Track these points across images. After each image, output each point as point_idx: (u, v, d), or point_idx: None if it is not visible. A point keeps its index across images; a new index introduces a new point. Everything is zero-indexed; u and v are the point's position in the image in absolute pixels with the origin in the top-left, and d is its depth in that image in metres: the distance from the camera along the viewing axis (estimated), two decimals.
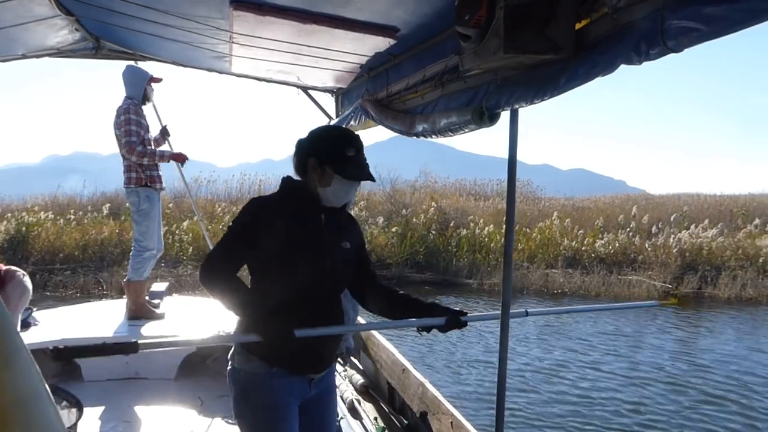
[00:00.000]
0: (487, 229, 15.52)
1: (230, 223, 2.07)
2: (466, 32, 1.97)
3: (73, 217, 14.78)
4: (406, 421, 3.64)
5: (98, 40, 4.14)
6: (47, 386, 1.06)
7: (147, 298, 4.90)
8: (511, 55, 1.81)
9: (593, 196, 22.60)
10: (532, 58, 1.87)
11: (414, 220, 15.97)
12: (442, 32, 2.71)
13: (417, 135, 3.00)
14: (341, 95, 4.89)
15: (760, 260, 14.00)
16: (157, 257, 4.89)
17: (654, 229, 15.73)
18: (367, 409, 3.80)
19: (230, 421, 3.67)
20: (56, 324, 4.43)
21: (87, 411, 3.48)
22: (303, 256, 2.04)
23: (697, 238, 14.80)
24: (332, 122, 4.83)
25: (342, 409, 3.76)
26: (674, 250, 14.29)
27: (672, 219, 16.27)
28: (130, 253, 4.80)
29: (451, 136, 2.71)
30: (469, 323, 2.23)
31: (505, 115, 2.37)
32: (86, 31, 3.80)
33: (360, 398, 3.90)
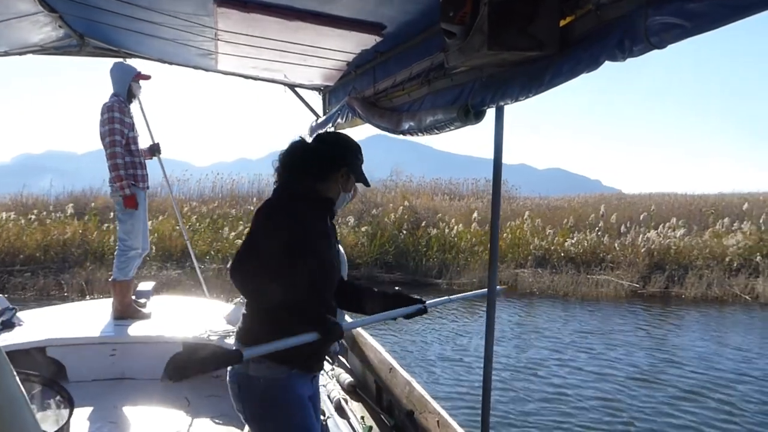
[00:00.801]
0: (456, 228, 15.52)
1: (275, 237, 2.03)
2: (451, 29, 1.96)
3: (35, 217, 14.51)
4: (393, 420, 3.64)
5: (82, 37, 4.10)
6: (23, 390, 1.04)
7: (133, 297, 4.86)
8: (496, 52, 1.81)
9: (568, 195, 22.75)
10: (516, 54, 1.86)
11: (385, 219, 15.98)
12: (428, 29, 2.71)
13: (403, 133, 2.99)
14: (328, 93, 4.88)
15: (726, 259, 14.10)
16: (142, 256, 4.85)
17: (623, 229, 15.82)
18: (354, 408, 3.79)
19: (217, 420, 3.65)
20: (41, 325, 4.39)
21: (66, 413, 3.45)
22: (329, 258, 2.21)
23: (665, 237, 14.91)
24: (319, 120, 4.81)
25: (329, 408, 3.74)
26: (642, 250, 14.38)
27: (642, 218, 16.41)
28: (115, 253, 4.75)
29: (437, 133, 2.70)
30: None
31: (490, 113, 2.37)
32: (70, 27, 3.76)
33: (347, 397, 3.89)
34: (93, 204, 15.79)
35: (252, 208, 16.70)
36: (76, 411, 3.57)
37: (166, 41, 3.76)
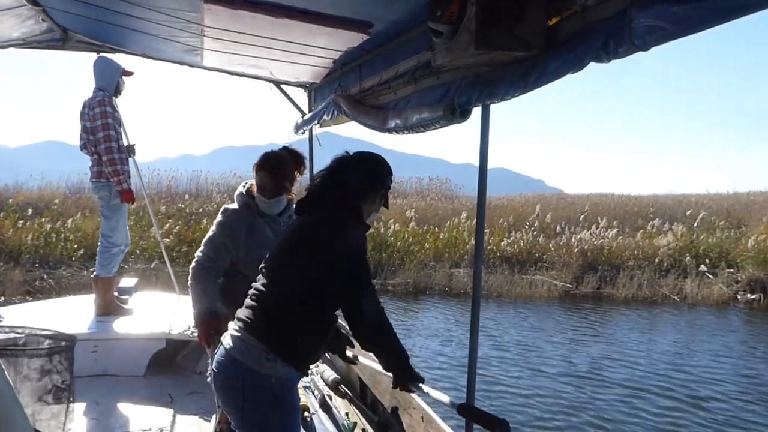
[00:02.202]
0: (393, 227, 15.40)
1: (358, 258, 2.13)
2: (438, 28, 1.97)
3: None
4: (377, 417, 3.65)
5: (65, 31, 4.06)
6: (11, 385, 1.04)
7: (116, 294, 4.83)
8: (482, 52, 1.83)
9: (510, 195, 22.92)
10: (503, 54, 1.88)
11: None
12: (415, 28, 2.72)
13: (390, 131, 3.00)
14: (314, 90, 4.88)
15: (657, 260, 14.23)
16: (124, 252, 4.82)
17: (558, 229, 15.95)
18: (339, 405, 3.80)
19: (206, 418, 3.63)
20: (22, 321, 4.33)
21: (56, 408, 3.42)
22: None
23: (598, 238, 15.04)
24: (305, 117, 4.80)
25: (313, 404, 3.75)
26: (576, 250, 14.45)
27: (581, 218, 16.53)
28: (98, 249, 4.71)
29: (423, 131, 2.72)
30: None
31: (476, 111, 2.39)
32: (53, 21, 3.72)
33: (331, 394, 3.90)
34: (11, 200, 15.13)
35: (183, 205, 16.28)
36: (59, 407, 3.55)
37: (151, 36, 3.73)
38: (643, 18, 1.37)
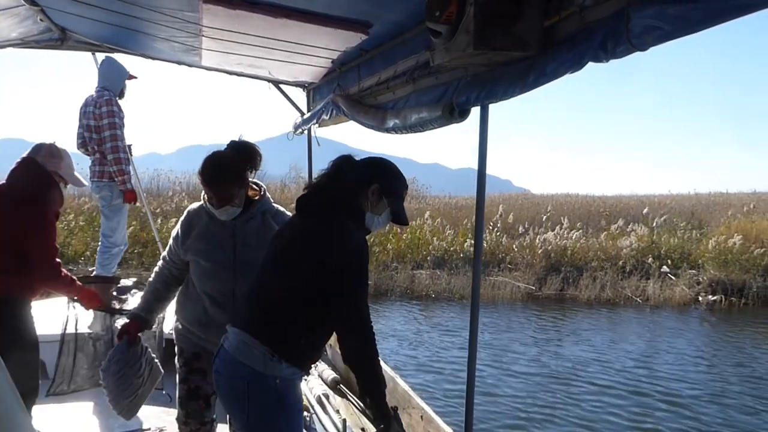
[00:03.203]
0: None
1: (356, 264, 2.07)
2: (436, 28, 1.98)
3: None
4: None
5: (64, 31, 4.05)
6: (12, 385, 1.04)
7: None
8: (481, 52, 1.83)
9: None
10: (501, 54, 1.89)
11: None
12: (413, 28, 2.72)
13: (388, 130, 3.00)
14: (312, 90, 4.88)
15: (620, 262, 14.06)
16: (123, 252, 4.82)
17: (522, 229, 15.62)
18: (337, 404, 3.81)
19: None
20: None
21: (51, 405, 3.43)
22: None
23: (562, 238, 14.80)
24: (304, 117, 4.81)
25: (312, 403, 3.76)
26: (539, 251, 14.23)
27: (543, 219, 16.24)
28: (98, 249, 4.71)
29: (421, 131, 2.72)
30: None
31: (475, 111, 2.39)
32: (51, 21, 3.71)
33: (330, 393, 3.90)
34: None
35: (138, 204, 15.67)
36: (57, 407, 3.56)
37: (150, 36, 3.74)
38: (640, 18, 1.38)
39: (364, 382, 2.14)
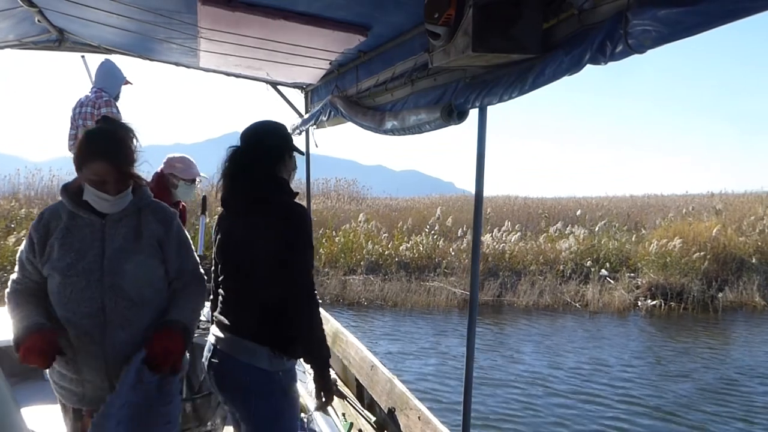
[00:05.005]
0: None
1: (306, 239, 2.16)
2: (435, 30, 1.99)
3: None
4: (374, 418, 3.66)
5: (61, 32, 4.05)
6: (9, 387, 1.05)
7: None
8: (480, 54, 1.84)
9: (418, 196, 22.40)
10: (500, 57, 1.90)
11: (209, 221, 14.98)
12: (412, 30, 2.73)
13: (386, 132, 3.01)
14: (311, 92, 4.89)
15: (561, 267, 13.71)
16: None
17: (460, 232, 15.09)
18: (336, 406, 3.81)
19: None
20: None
21: (49, 408, 3.41)
22: None
23: (500, 242, 14.40)
24: (302, 119, 4.81)
25: (310, 405, 3.75)
26: None
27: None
28: None
29: (420, 133, 2.73)
30: None
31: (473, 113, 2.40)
32: (49, 22, 3.71)
33: None
34: None
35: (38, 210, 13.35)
36: (53, 408, 3.53)
37: (148, 38, 3.73)
38: (638, 21, 1.38)
39: (322, 349, 2.16)
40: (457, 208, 18.08)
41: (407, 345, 9.95)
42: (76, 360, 2.00)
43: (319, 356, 2.15)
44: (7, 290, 2.09)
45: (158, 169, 3.82)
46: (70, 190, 2.07)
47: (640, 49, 1.42)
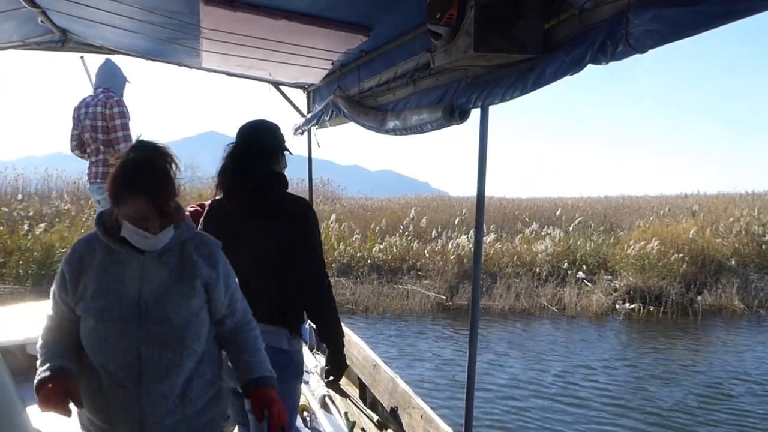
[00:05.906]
0: None
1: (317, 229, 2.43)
2: (437, 30, 1.99)
3: None
4: (376, 417, 3.67)
5: (65, 32, 4.06)
6: (13, 385, 1.05)
7: None
8: (481, 54, 1.85)
9: (395, 197, 22.07)
10: (501, 57, 1.91)
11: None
12: (414, 30, 2.74)
13: (388, 132, 3.02)
14: (313, 91, 4.89)
15: (536, 268, 13.27)
16: None
17: (435, 233, 14.62)
18: (339, 404, 3.82)
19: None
20: (21, 322, 4.32)
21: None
22: None
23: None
24: (304, 118, 4.82)
25: (313, 404, 3.77)
26: (452, 257, 13.10)
27: (456, 222, 15.26)
28: None
29: (422, 132, 2.74)
30: None
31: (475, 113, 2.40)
32: (52, 23, 3.72)
33: (331, 394, 3.91)
34: None
35: (6, 209, 13.02)
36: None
37: (150, 38, 3.74)
38: (638, 21, 1.39)
39: (339, 327, 2.48)
40: (432, 208, 17.75)
41: (382, 354, 9.74)
42: (108, 409, 1.82)
43: (337, 334, 2.44)
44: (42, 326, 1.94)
45: None
46: (107, 224, 1.84)
47: (642, 48, 1.43)
